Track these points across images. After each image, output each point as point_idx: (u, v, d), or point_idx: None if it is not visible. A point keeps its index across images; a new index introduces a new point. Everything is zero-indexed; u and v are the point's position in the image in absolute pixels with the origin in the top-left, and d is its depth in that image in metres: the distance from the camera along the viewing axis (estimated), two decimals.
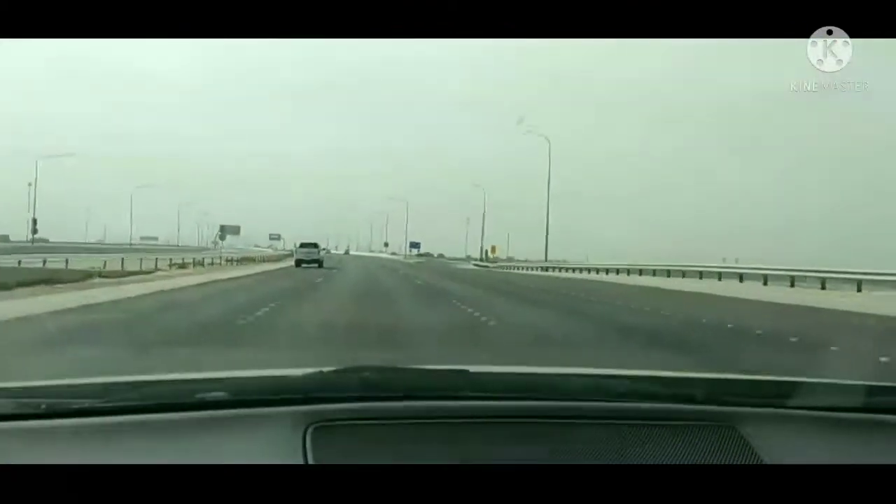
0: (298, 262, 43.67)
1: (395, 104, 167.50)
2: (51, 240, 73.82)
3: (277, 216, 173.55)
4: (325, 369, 1.80)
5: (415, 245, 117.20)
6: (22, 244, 56.69)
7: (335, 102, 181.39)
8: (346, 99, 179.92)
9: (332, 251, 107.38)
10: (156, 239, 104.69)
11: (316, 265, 42.36)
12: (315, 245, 47.95)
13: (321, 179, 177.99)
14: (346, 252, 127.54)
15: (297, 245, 50.56)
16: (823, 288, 26.40)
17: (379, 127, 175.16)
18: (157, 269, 32.90)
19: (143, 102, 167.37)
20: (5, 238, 71.47)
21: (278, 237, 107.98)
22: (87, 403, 1.63)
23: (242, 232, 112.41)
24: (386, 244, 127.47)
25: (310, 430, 1.55)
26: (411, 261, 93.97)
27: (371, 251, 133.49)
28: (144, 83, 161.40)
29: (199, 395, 1.66)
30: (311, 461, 1.49)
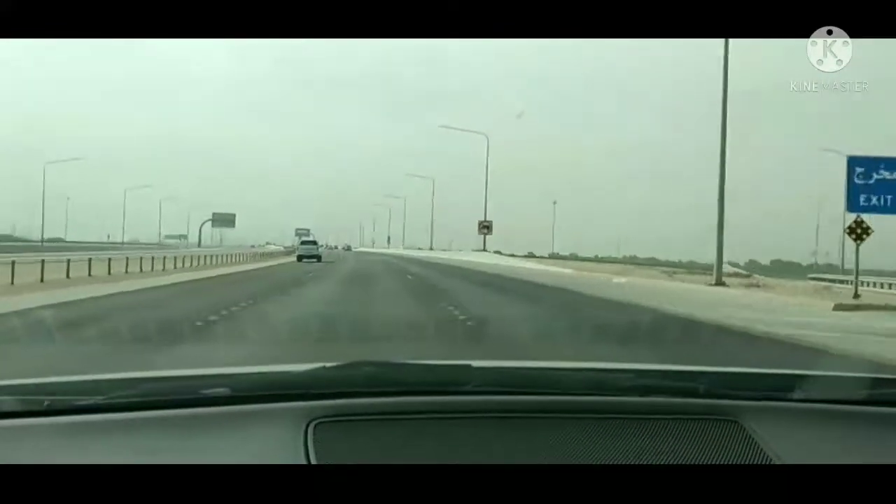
0: (300, 257, 48.98)
1: (418, 100, 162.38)
2: (66, 239, 73.08)
3: (306, 210, 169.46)
4: (328, 365, 1.79)
5: None
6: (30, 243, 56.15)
7: (353, 95, 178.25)
8: (362, 95, 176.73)
9: (338, 246, 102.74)
10: (185, 237, 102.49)
11: (315, 259, 47.87)
12: (314, 242, 56.75)
13: (350, 174, 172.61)
14: (347, 248, 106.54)
15: (299, 242, 60.70)
16: None
17: (401, 120, 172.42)
18: None
19: (148, 102, 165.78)
20: (7, 237, 70.80)
21: (307, 232, 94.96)
22: (88, 401, 1.63)
23: (262, 226, 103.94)
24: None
25: (311, 427, 1.54)
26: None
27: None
28: (150, 83, 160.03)
29: (200, 392, 1.66)
30: (312, 458, 1.48)
